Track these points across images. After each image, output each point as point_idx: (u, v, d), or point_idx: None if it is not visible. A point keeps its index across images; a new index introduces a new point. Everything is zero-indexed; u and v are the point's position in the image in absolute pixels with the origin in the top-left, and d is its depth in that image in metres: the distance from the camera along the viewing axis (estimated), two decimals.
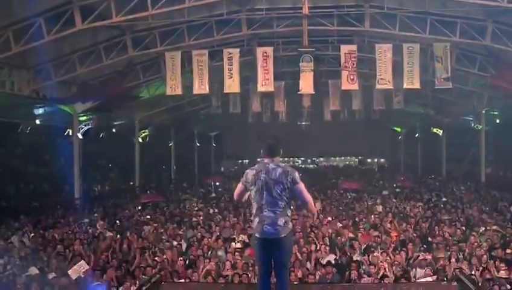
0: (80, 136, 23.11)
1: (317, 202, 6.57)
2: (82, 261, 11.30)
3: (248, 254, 12.62)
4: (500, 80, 20.58)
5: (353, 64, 19.47)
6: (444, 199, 23.57)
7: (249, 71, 22.22)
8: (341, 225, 16.57)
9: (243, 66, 20.58)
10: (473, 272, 11.29)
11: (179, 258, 12.97)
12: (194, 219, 18.66)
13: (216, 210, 20.72)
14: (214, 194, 27.17)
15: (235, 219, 18.01)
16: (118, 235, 15.59)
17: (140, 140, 31.34)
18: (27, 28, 16.57)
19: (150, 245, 14.44)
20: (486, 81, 22.66)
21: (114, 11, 16.67)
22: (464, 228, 16.17)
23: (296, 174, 5.94)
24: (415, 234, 15.26)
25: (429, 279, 10.80)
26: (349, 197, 24.51)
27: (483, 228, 15.92)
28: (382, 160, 51.24)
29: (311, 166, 49.91)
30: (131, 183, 31.10)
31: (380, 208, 20.62)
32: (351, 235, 15.00)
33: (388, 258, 12.40)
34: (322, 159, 52.03)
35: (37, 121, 27.42)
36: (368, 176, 37.23)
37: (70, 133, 24.49)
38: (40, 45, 16.94)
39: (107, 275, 11.27)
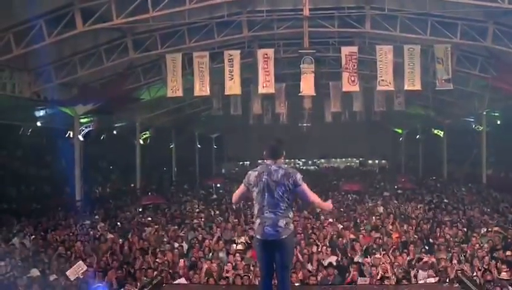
0: (80, 138, 23.14)
1: (329, 199, 6.54)
2: (80, 262, 11.25)
3: (250, 255, 12.60)
4: (501, 82, 20.58)
5: (354, 65, 19.47)
6: (445, 201, 23.54)
7: (249, 73, 22.23)
8: (342, 226, 16.56)
9: (243, 68, 20.58)
10: (474, 274, 11.27)
11: (180, 260, 12.95)
12: (195, 221, 18.65)
13: (217, 212, 20.70)
14: (215, 196, 27.16)
15: (236, 220, 18.00)
16: (119, 237, 15.59)
17: (141, 142, 31.33)
18: (28, 30, 16.57)
19: (151, 247, 14.45)
20: (487, 82, 22.67)
21: (115, 13, 16.67)
22: (465, 229, 16.14)
23: (298, 176, 5.93)
24: (416, 236, 15.24)
25: (431, 280, 10.79)
26: (350, 198, 24.49)
27: (485, 230, 15.89)
28: (383, 161, 51.25)
29: (312, 168, 49.89)
30: (132, 185, 31.10)
31: (381, 209, 20.61)
32: (352, 236, 14.99)
33: (389, 259, 12.39)
34: (323, 160, 52.05)
35: (38, 123, 27.38)
36: (368, 178, 37.20)
37: (71, 135, 24.48)
38: (41, 47, 16.94)
39: (107, 277, 11.27)
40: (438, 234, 15.33)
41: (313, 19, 18.47)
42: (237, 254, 13.05)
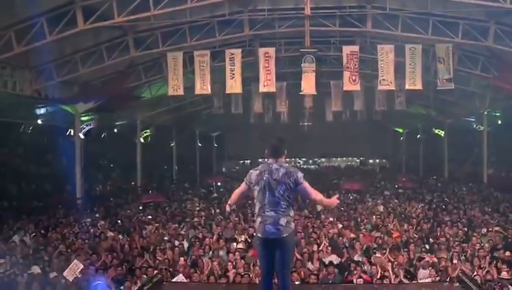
0: (81, 136, 23.14)
1: (334, 195, 6.36)
2: (75, 261, 11.22)
3: (251, 254, 12.60)
4: (502, 81, 20.55)
5: (355, 65, 19.45)
6: (445, 200, 23.54)
7: (250, 72, 22.22)
8: (342, 225, 16.56)
9: (244, 67, 20.57)
10: (475, 273, 11.27)
11: (181, 258, 12.96)
12: (196, 219, 18.66)
13: (218, 210, 20.72)
14: (215, 194, 27.17)
15: (237, 219, 18.00)
16: (120, 235, 15.60)
17: (142, 140, 31.37)
18: (29, 28, 16.57)
19: (152, 245, 14.46)
20: (488, 82, 22.65)
21: (116, 12, 16.67)
22: (465, 229, 16.13)
23: (299, 175, 5.93)
24: (416, 235, 15.24)
25: (431, 279, 10.80)
26: (350, 197, 24.50)
27: (485, 229, 15.89)
28: (384, 161, 51.26)
29: (312, 167, 49.93)
30: (133, 183, 31.12)
31: (381, 208, 20.61)
32: (352, 235, 14.99)
33: (390, 259, 12.39)
34: (323, 159, 52.08)
35: (39, 121, 27.44)
36: (369, 177, 37.19)
37: (72, 133, 24.48)
38: (42, 45, 16.95)
39: (108, 275, 11.28)
40: (439, 234, 15.33)
41: (314, 17, 18.46)
42: (237, 253, 13.05)
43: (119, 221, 18.81)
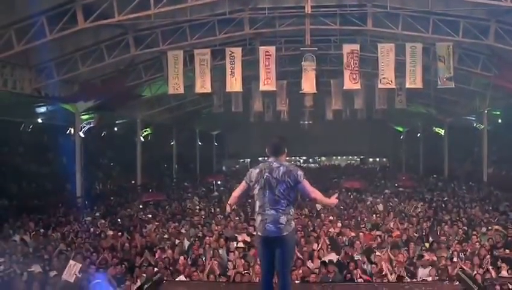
0: (81, 134, 23.11)
1: (334, 194, 6.31)
2: (71, 261, 11.17)
3: (252, 254, 12.59)
4: (503, 80, 20.54)
5: (355, 63, 19.42)
6: (445, 199, 23.54)
7: (251, 70, 22.17)
8: (342, 224, 16.56)
9: (245, 65, 20.54)
10: (474, 272, 11.26)
11: (181, 257, 12.96)
12: (196, 218, 18.66)
13: (218, 209, 20.72)
14: (215, 193, 27.19)
15: (237, 218, 18.00)
16: (120, 234, 15.60)
17: (142, 139, 31.36)
18: (29, 26, 16.55)
19: (152, 244, 14.46)
20: (488, 81, 22.65)
21: (116, 10, 16.66)
22: (465, 227, 16.14)
23: (300, 173, 5.92)
24: (416, 234, 15.24)
25: (431, 278, 10.81)
26: (351, 196, 24.50)
27: (485, 228, 15.89)
28: (384, 159, 51.32)
29: (313, 165, 49.97)
30: (133, 181, 31.13)
31: (381, 207, 20.61)
32: (352, 234, 14.99)
33: (390, 257, 12.39)
34: (323, 158, 52.13)
35: (39, 120, 27.45)
36: (369, 176, 37.21)
37: (72, 132, 24.50)
38: (42, 43, 16.93)
39: (108, 273, 11.27)
40: (438, 232, 15.34)
41: (315, 16, 18.46)
42: (236, 251, 13.04)
43: (119, 220, 18.82)
